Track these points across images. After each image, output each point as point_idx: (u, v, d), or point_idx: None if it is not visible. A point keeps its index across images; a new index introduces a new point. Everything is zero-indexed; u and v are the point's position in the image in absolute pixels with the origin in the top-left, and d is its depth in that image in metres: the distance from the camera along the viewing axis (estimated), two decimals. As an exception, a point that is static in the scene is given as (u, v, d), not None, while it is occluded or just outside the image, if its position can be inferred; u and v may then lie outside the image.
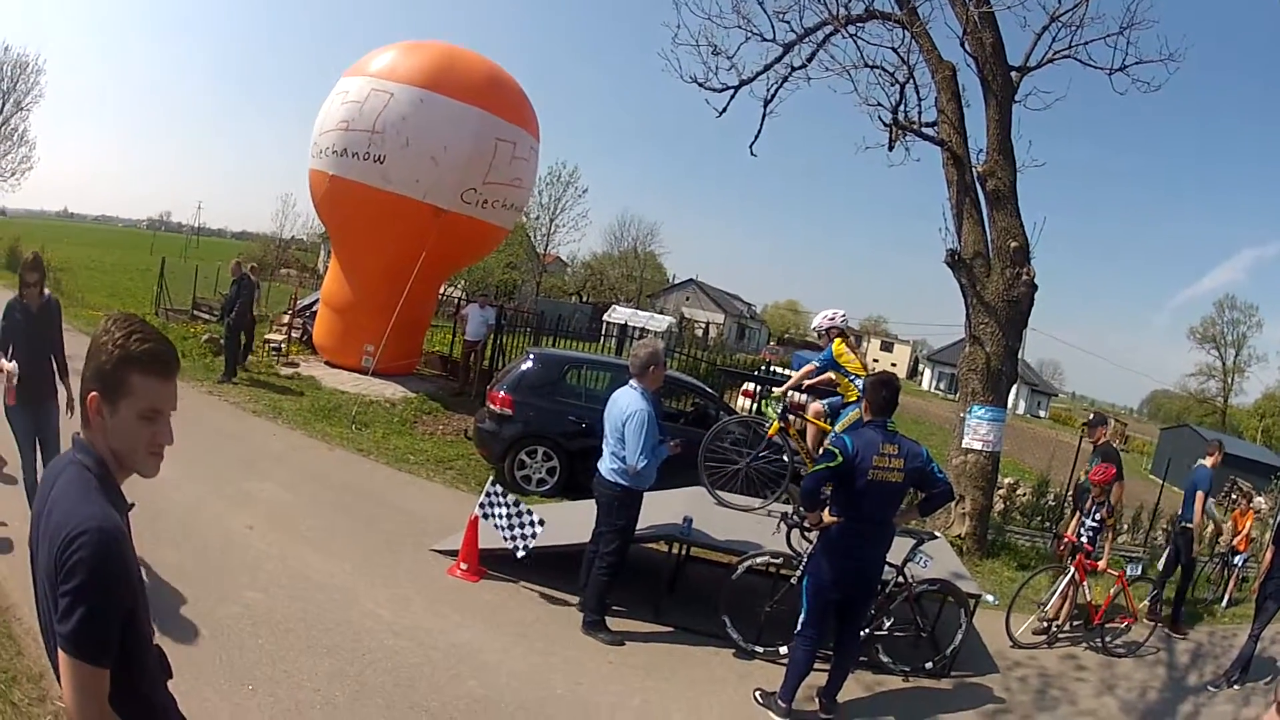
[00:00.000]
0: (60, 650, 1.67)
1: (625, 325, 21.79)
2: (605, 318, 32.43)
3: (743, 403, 13.90)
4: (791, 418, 7.56)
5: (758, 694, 5.37)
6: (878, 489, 4.91)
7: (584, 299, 58.27)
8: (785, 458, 7.49)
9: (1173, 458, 24.93)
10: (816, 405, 7.60)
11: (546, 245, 52.98)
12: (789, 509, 6.34)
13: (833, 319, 7.45)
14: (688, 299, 68.95)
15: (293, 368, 13.97)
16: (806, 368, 7.53)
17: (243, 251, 43.75)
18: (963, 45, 10.20)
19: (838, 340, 7.29)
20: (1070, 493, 8.67)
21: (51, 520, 1.73)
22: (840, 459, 4.85)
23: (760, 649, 5.97)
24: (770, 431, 7.48)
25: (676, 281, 71.65)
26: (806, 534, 5.65)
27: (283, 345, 15.46)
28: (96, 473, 1.81)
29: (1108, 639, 7.46)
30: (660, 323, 37.11)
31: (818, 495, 5.01)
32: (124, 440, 1.85)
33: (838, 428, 6.87)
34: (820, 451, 5.25)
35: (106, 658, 1.69)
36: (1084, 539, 7.51)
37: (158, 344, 1.86)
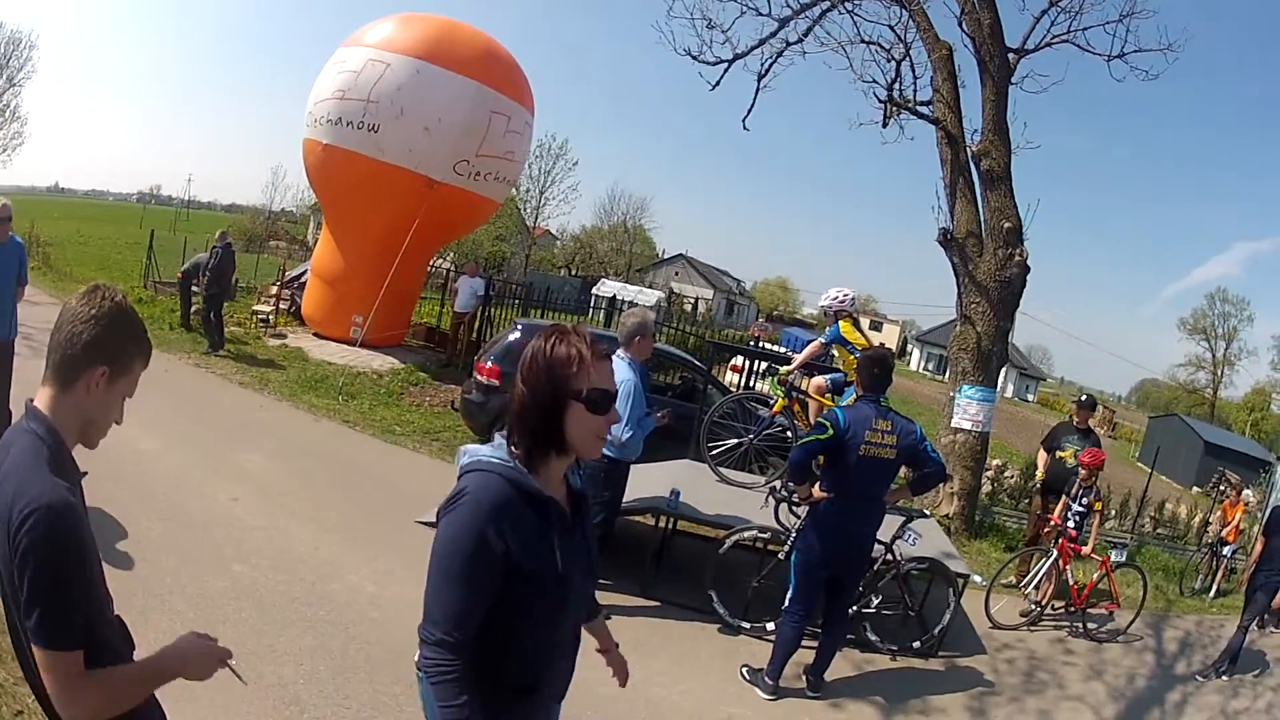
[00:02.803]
0: (33, 645, 1.65)
1: (614, 298, 21.72)
2: (594, 291, 32.31)
3: (731, 377, 13.86)
4: (796, 394, 7.53)
5: (744, 670, 5.36)
6: (869, 465, 4.88)
7: (573, 272, 58.08)
8: (790, 435, 7.46)
9: (1161, 446, 25.06)
10: (819, 380, 7.52)
11: (536, 218, 52.56)
12: (778, 483, 6.31)
13: (841, 300, 7.29)
14: (677, 274, 68.59)
15: (280, 339, 13.86)
16: (812, 346, 7.49)
17: (231, 223, 43.35)
18: (960, 25, 10.11)
19: (844, 321, 7.21)
20: (1041, 476, 8.59)
21: (6, 493, 1.68)
22: (831, 432, 4.82)
23: (747, 624, 5.97)
24: (775, 409, 7.45)
25: (666, 256, 71.29)
26: (795, 509, 5.62)
27: (270, 317, 15.33)
28: (49, 442, 1.75)
29: (1090, 625, 7.50)
30: (649, 297, 36.97)
31: (806, 468, 4.98)
32: (103, 414, 1.85)
33: (842, 404, 6.84)
34: (813, 425, 5.21)
35: (77, 639, 1.66)
36: (1070, 523, 7.53)
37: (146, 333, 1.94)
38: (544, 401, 1.93)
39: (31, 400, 1.84)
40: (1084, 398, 9.06)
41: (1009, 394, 60.94)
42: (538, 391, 1.93)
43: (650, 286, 50.74)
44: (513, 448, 1.99)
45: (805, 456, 4.94)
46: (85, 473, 1.88)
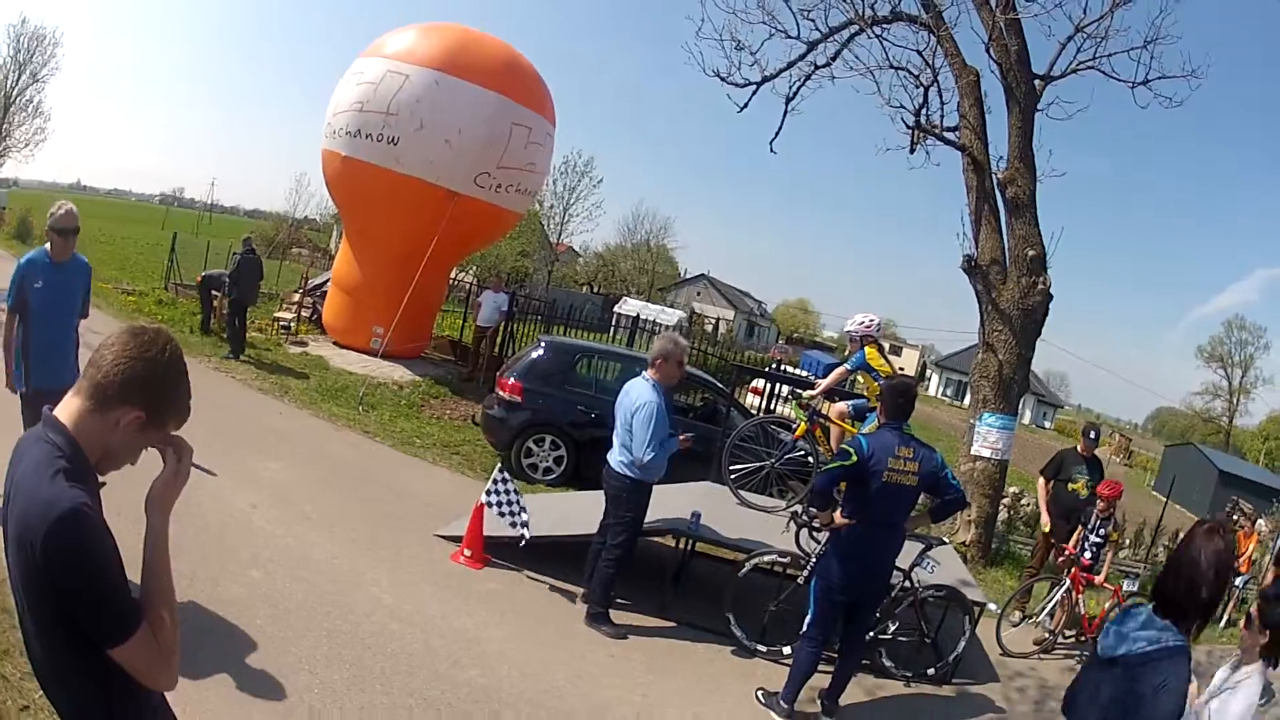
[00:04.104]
0: (106, 650, 1.68)
1: (636, 317, 21.72)
2: (616, 309, 32.35)
3: (751, 399, 13.83)
4: (820, 419, 7.52)
5: (760, 694, 5.33)
6: (891, 492, 4.86)
7: (595, 290, 58.21)
8: (812, 459, 7.45)
9: (1177, 475, 24.83)
10: (841, 406, 7.53)
11: (560, 234, 52.87)
12: (799, 508, 6.28)
13: (867, 326, 7.27)
14: (699, 294, 68.68)
15: (301, 347, 13.96)
16: (838, 371, 7.46)
17: (254, 229, 43.78)
18: (988, 51, 10.10)
19: (870, 347, 7.20)
20: (1044, 504, 8.44)
21: (18, 505, 1.69)
22: (855, 459, 4.81)
23: (763, 648, 5.94)
24: (798, 433, 7.45)
25: (688, 276, 71.45)
26: (816, 535, 5.59)
27: (292, 324, 15.45)
28: (68, 453, 1.73)
29: (1100, 654, 7.41)
30: (671, 316, 36.94)
31: (830, 494, 4.97)
32: (125, 452, 1.85)
33: (864, 430, 6.81)
34: (836, 452, 5.20)
35: (137, 619, 1.70)
36: (1086, 553, 7.46)
37: None
38: None
39: (51, 409, 1.82)
40: (1089, 429, 8.85)
41: (1026, 420, 60.54)
42: None
43: (672, 306, 50.72)
44: None
45: (829, 483, 4.93)
46: (104, 483, 1.87)
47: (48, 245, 5.11)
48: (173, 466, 1.88)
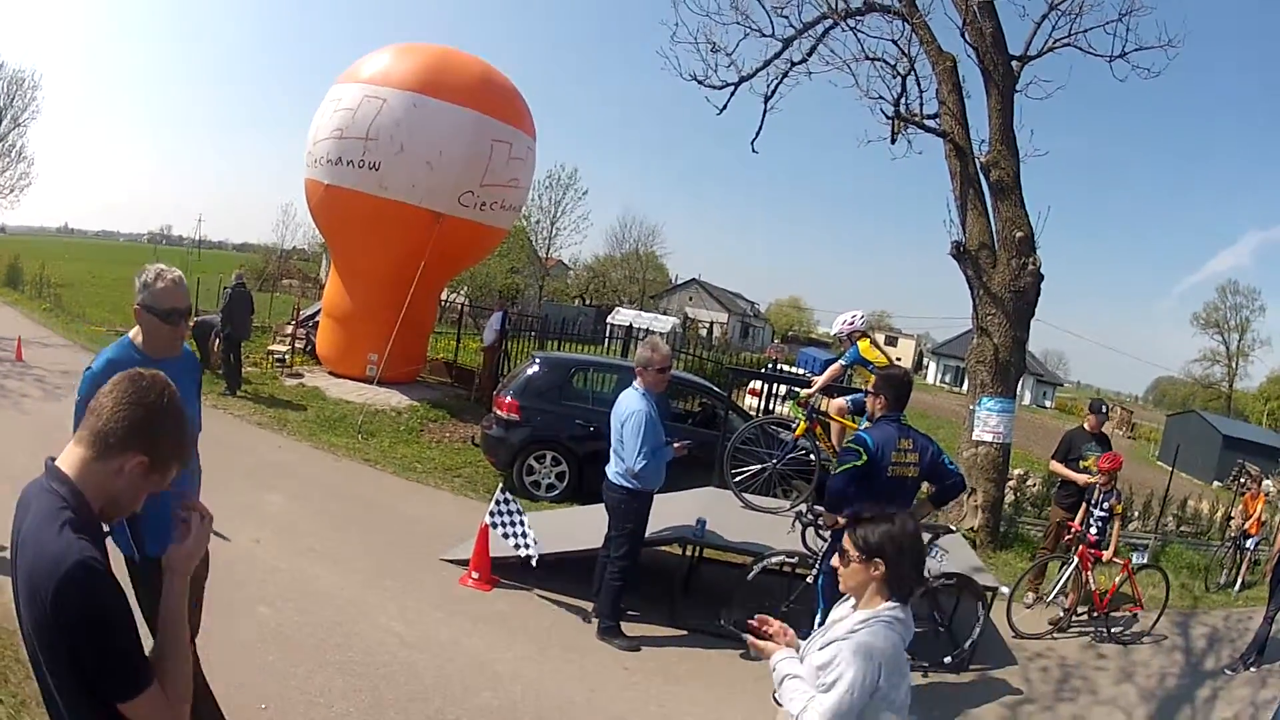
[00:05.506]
0: (118, 704, 1.67)
1: (630, 327, 21.70)
2: (609, 320, 32.35)
3: (749, 401, 13.80)
4: (818, 416, 7.52)
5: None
6: (896, 484, 4.86)
7: (587, 302, 58.28)
8: (814, 457, 7.45)
9: (1180, 443, 24.84)
10: (840, 401, 7.56)
11: (548, 249, 52.88)
12: (803, 507, 6.27)
13: (852, 323, 7.42)
14: (691, 299, 68.82)
15: (297, 379, 13.92)
16: (833, 368, 7.48)
17: (243, 264, 43.76)
18: (963, 35, 10.13)
19: (863, 340, 7.27)
20: (1085, 482, 8.18)
21: (27, 556, 1.70)
22: (865, 456, 4.79)
23: (777, 650, 5.91)
24: (798, 432, 7.45)
25: (679, 282, 71.62)
26: (821, 532, 5.58)
27: (286, 356, 15.41)
28: (72, 504, 1.74)
29: (1114, 628, 7.42)
30: (664, 323, 37.04)
31: (848, 496, 4.89)
32: (128, 499, 1.85)
33: (864, 424, 6.81)
34: (841, 450, 5.17)
35: (148, 675, 1.70)
36: (1093, 529, 7.44)
37: None
38: None
39: (53, 459, 1.82)
40: (1096, 405, 8.74)
41: (1026, 401, 60.57)
42: None
43: (665, 313, 50.82)
44: None
45: (847, 484, 4.83)
46: (109, 531, 1.87)
47: (134, 335, 3.33)
48: (195, 534, 1.92)
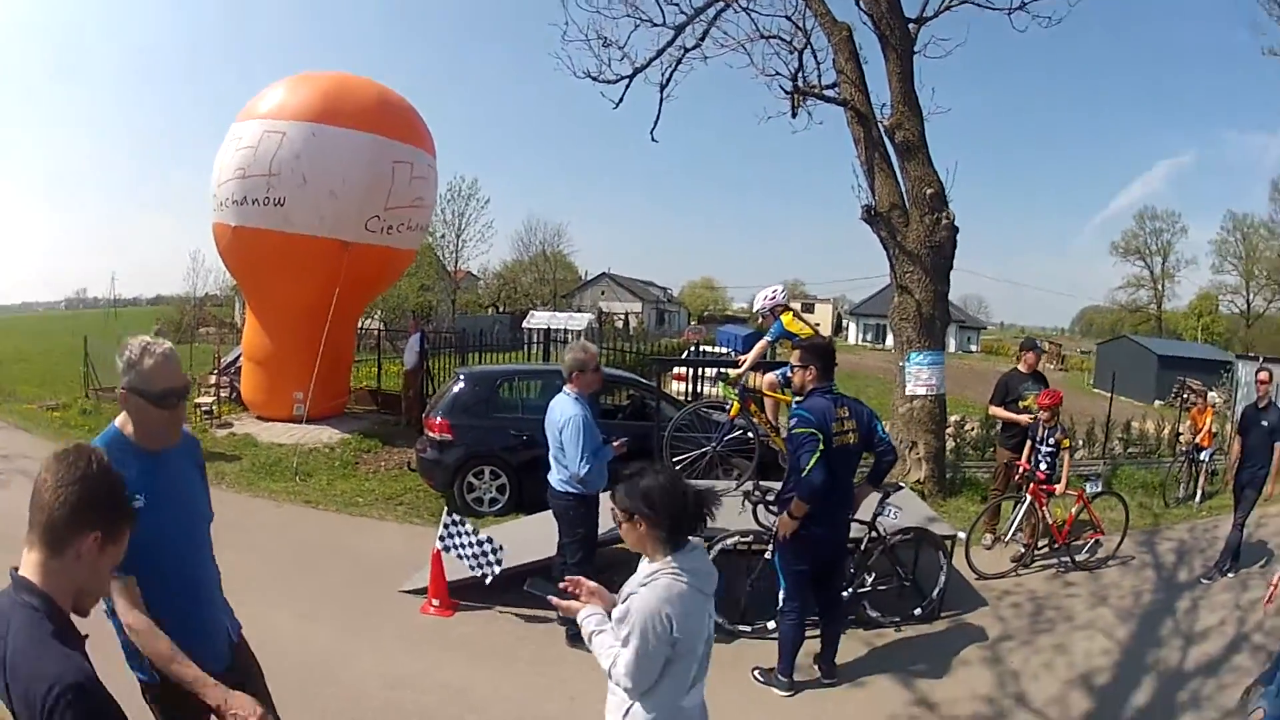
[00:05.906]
0: None
1: (547, 329, 21.49)
2: (525, 324, 32.06)
3: (676, 386, 13.79)
4: (750, 394, 7.56)
5: (756, 673, 5.33)
6: (839, 455, 4.91)
7: (500, 309, 57.88)
8: (751, 435, 7.48)
9: (1116, 369, 25.66)
10: (770, 377, 7.61)
11: (456, 261, 52.13)
12: (749, 485, 6.32)
13: (773, 298, 7.52)
14: (603, 293, 68.69)
15: (227, 428, 13.48)
16: (760, 345, 7.53)
17: (159, 317, 42.16)
18: (858, 3, 10.21)
19: (785, 314, 7.33)
20: (1027, 421, 8.28)
21: (19, 674, 1.65)
22: (820, 435, 4.80)
23: (747, 628, 5.95)
24: (733, 412, 7.48)
25: (589, 278, 71.62)
26: (771, 507, 5.62)
27: (213, 407, 14.91)
28: (47, 612, 1.71)
29: (1078, 556, 7.61)
30: (580, 321, 36.72)
31: (826, 484, 4.83)
32: (95, 583, 1.84)
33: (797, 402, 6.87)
34: (789, 440, 5.11)
35: None
36: (1042, 465, 7.60)
37: None
38: None
39: (16, 569, 1.79)
40: (1028, 343, 8.90)
41: (952, 349, 61.70)
42: None
43: (579, 310, 50.50)
44: None
45: (821, 473, 4.78)
46: (86, 635, 1.84)
47: (120, 422, 2.77)
48: None
